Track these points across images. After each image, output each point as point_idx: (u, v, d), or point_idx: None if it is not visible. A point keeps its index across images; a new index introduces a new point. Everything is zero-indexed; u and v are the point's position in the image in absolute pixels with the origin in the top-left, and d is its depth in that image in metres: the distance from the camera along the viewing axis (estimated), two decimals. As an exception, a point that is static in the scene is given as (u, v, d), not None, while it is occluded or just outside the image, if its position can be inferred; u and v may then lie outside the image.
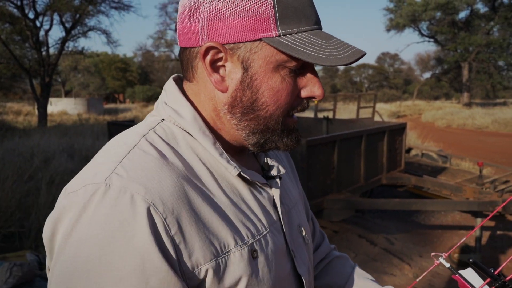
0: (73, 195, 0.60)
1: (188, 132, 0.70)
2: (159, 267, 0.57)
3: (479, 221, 4.22)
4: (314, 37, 0.65)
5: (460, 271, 0.73)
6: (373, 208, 4.84)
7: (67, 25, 18.38)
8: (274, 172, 0.79)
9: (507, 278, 0.66)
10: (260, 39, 0.64)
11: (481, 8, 36.80)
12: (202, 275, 0.61)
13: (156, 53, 47.70)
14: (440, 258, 0.73)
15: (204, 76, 0.70)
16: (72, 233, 0.57)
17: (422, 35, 39.30)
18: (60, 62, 28.25)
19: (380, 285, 0.94)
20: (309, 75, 0.70)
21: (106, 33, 20.22)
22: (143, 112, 28.68)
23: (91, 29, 19.77)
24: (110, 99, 60.13)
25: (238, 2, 0.63)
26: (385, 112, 25.07)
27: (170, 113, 0.71)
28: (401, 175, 5.45)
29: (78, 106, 29.89)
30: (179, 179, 0.63)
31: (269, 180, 0.78)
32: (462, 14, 36.75)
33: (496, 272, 0.68)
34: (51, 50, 19.24)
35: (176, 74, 0.79)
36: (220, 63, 0.67)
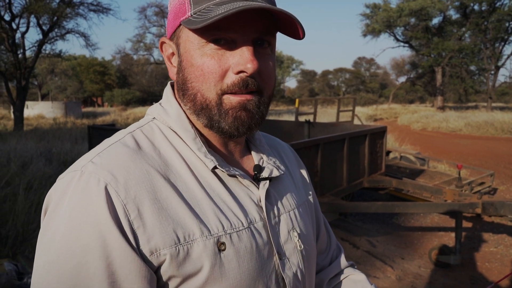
0: (60, 181, 0.69)
1: (173, 130, 0.76)
2: (118, 244, 0.63)
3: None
4: (216, 6, 0.67)
5: None
6: (357, 211, 4.89)
7: (44, 27, 17.95)
8: (265, 174, 0.81)
9: None
10: (180, 24, 0.72)
11: (453, 14, 37.72)
12: (160, 259, 0.65)
13: (135, 57, 47.23)
14: None
15: None
16: (54, 213, 0.65)
17: (397, 40, 40.04)
18: (36, 65, 27.62)
19: None
20: (240, 51, 0.69)
21: (84, 36, 19.81)
22: (121, 116, 28.31)
23: (69, 31, 19.32)
24: (88, 103, 59.32)
25: (173, 0, 0.75)
26: (362, 115, 25.41)
27: (160, 112, 0.79)
28: (382, 178, 5.52)
29: (56, 109, 29.29)
30: (150, 171, 0.68)
31: (261, 181, 0.80)
32: (435, 20, 37.71)
33: None
34: (28, 53, 18.83)
35: None
36: (174, 56, 0.77)
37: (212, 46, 0.69)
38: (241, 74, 0.69)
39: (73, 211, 0.63)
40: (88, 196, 0.64)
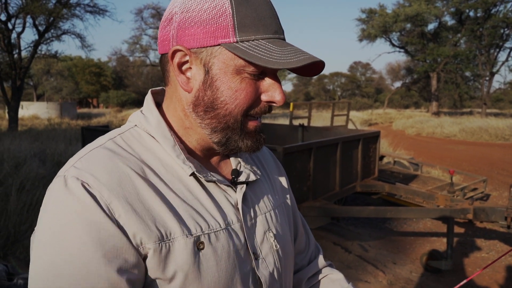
0: (48, 189, 0.72)
1: (153, 136, 0.78)
2: (111, 234, 0.66)
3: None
4: (270, 44, 0.72)
5: None
6: (349, 216, 4.90)
7: (40, 28, 17.95)
8: (242, 178, 0.85)
9: None
10: (219, 45, 0.72)
11: (449, 20, 37.98)
12: (144, 254, 0.68)
13: (131, 58, 47.22)
14: None
15: (175, 79, 0.79)
16: (40, 219, 0.69)
17: (393, 45, 40.25)
18: (32, 66, 27.53)
19: None
20: (270, 81, 0.76)
21: (80, 37, 19.79)
22: (117, 117, 28.27)
23: (65, 32, 19.31)
24: (83, 104, 59.23)
25: (202, 12, 0.72)
26: (357, 120, 25.49)
27: (141, 119, 0.81)
28: (375, 182, 5.53)
29: (51, 110, 29.19)
30: (131, 173, 0.72)
31: (238, 184, 0.84)
32: (431, 26, 38.01)
33: None
34: (23, 53, 18.80)
35: (160, 87, 0.89)
36: (186, 66, 0.76)
37: (247, 73, 0.73)
38: (270, 103, 0.77)
39: (61, 213, 0.66)
40: (72, 200, 0.66)
